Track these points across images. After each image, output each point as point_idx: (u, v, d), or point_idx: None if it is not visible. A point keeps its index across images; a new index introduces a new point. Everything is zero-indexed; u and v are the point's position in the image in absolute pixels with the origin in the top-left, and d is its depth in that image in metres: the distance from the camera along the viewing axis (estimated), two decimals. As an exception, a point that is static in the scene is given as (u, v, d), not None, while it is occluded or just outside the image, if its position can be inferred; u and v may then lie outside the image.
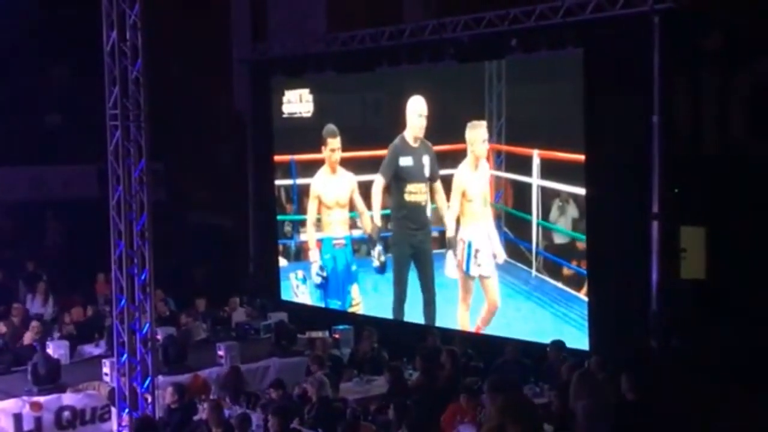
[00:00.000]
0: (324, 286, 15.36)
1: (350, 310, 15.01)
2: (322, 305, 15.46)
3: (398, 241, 14.32)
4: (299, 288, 15.99)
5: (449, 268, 13.67)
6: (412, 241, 14.12)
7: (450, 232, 13.58)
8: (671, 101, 11.37)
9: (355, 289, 14.98)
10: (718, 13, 11.02)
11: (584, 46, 11.82)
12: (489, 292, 13.21)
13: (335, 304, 15.25)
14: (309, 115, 15.65)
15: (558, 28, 12.06)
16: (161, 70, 12.49)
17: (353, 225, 14.96)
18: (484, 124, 13.06)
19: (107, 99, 10.06)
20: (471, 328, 13.37)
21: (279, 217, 16.39)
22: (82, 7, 13.18)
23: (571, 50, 11.95)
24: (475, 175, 13.19)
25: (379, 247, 14.54)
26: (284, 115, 16.10)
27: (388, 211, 14.46)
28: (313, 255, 15.45)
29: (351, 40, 14.82)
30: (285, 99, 16.05)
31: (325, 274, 15.28)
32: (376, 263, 14.59)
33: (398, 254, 14.32)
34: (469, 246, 13.31)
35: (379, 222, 14.51)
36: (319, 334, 13.27)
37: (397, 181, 14.14)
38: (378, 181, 14.26)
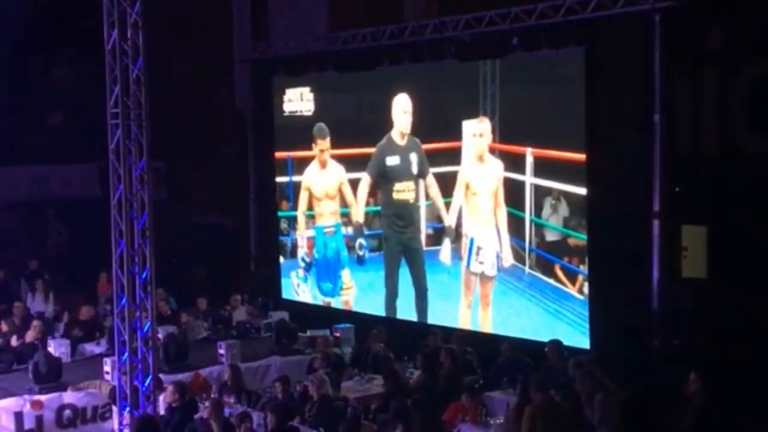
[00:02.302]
0: (309, 270, 15.64)
1: (342, 293, 15.18)
2: (316, 290, 15.65)
3: (388, 239, 14.51)
4: (300, 287, 16.03)
5: (444, 255, 13.74)
6: (401, 239, 14.29)
7: (447, 221, 13.62)
8: (672, 100, 11.37)
9: (346, 274, 15.17)
10: (719, 11, 11.01)
11: (585, 45, 11.82)
12: (483, 290, 13.23)
13: (327, 287, 15.44)
14: (310, 113, 15.68)
15: (559, 26, 12.06)
16: (162, 69, 12.48)
17: (347, 222, 15.10)
18: (475, 120, 13.10)
19: (108, 98, 10.05)
20: (471, 325, 13.39)
21: (279, 214, 16.45)
22: (83, 6, 13.16)
23: (573, 49, 11.96)
24: (481, 169, 13.20)
25: (360, 240, 14.75)
26: (285, 114, 16.13)
27: (378, 208, 14.61)
28: (301, 241, 15.71)
29: (352, 39, 14.82)
30: (286, 98, 16.08)
31: (309, 259, 15.58)
32: (355, 256, 14.89)
33: (388, 252, 14.50)
34: (471, 242, 13.34)
35: (361, 218, 14.76)
36: (319, 332, 13.28)
37: (385, 180, 14.32)
38: (364, 179, 14.53)
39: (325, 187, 15.22)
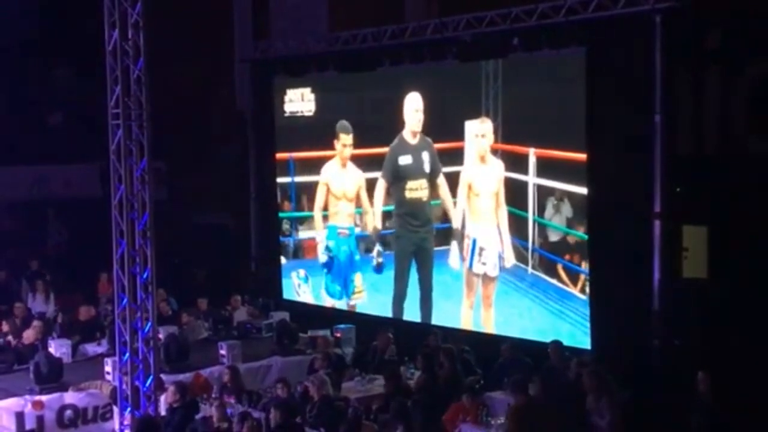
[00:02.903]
0: (329, 266, 15.46)
1: (353, 297, 15.12)
2: (321, 290, 15.56)
3: (400, 238, 14.43)
4: (301, 287, 16.02)
5: (453, 258, 13.73)
6: (414, 239, 14.22)
7: (455, 224, 13.62)
8: (673, 100, 11.37)
9: (358, 278, 15.10)
10: (720, 11, 11.01)
11: (586, 45, 11.82)
12: (485, 291, 13.24)
13: (335, 290, 15.38)
14: (311, 114, 15.68)
15: (560, 27, 12.05)
16: (163, 70, 12.47)
17: (358, 223, 15.07)
18: (477, 120, 13.09)
19: (109, 98, 10.05)
20: (474, 326, 13.39)
21: (280, 215, 16.44)
22: (84, 6, 13.17)
23: (573, 49, 11.96)
24: (482, 170, 13.20)
25: (378, 248, 14.66)
26: (286, 114, 16.13)
27: (391, 207, 14.56)
28: (320, 236, 15.54)
29: (353, 39, 14.82)
30: (287, 98, 16.08)
31: (331, 254, 15.39)
32: (374, 263, 14.73)
33: (400, 251, 14.43)
34: (474, 243, 13.34)
35: (379, 224, 14.65)
36: (320, 333, 13.28)
37: (398, 179, 14.27)
38: (380, 183, 14.46)
39: (344, 188, 15.09)
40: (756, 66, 11.05)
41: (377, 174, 14.50)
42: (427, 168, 13.97)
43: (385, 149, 14.32)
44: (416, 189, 14.08)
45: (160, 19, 11.01)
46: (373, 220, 14.74)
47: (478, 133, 13.07)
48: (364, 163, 14.75)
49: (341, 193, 15.12)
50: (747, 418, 9.53)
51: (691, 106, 11.51)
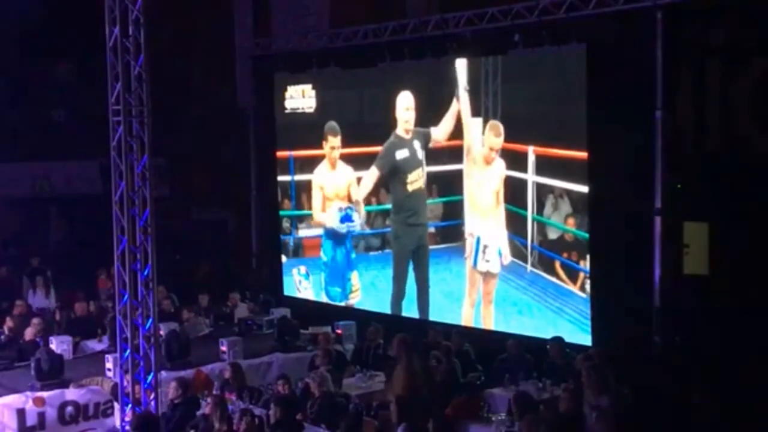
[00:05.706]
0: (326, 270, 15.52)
1: (350, 296, 15.15)
2: (322, 293, 15.61)
3: (400, 238, 14.42)
4: (302, 284, 16.02)
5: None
6: (414, 236, 14.26)
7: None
8: (674, 96, 11.36)
9: (354, 276, 15.14)
10: (721, 7, 11.00)
11: (587, 42, 11.81)
12: (486, 287, 13.25)
13: (335, 291, 15.38)
14: (312, 110, 15.67)
15: (561, 23, 12.05)
16: (164, 66, 12.46)
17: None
18: (480, 122, 13.05)
19: (110, 94, 10.04)
20: (474, 323, 13.40)
21: (280, 213, 16.44)
22: (85, 2, 13.16)
23: (574, 46, 11.95)
24: (486, 169, 13.20)
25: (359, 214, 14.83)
26: (287, 111, 16.13)
27: (383, 207, 14.59)
28: (332, 210, 15.45)
29: (354, 36, 14.82)
30: (287, 95, 16.07)
31: (326, 258, 15.47)
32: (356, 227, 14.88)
33: (399, 251, 14.42)
34: (478, 241, 13.35)
35: (361, 198, 14.74)
36: (321, 329, 13.29)
37: (398, 174, 14.31)
38: (372, 171, 14.51)
39: (336, 188, 15.15)
40: (758, 63, 11.03)
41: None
42: (420, 156, 14.04)
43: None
44: (416, 180, 14.14)
45: (160, 15, 11.01)
46: (356, 195, 14.80)
47: (494, 147, 12.96)
48: (363, 160, 14.72)
49: (334, 194, 15.21)
50: (748, 416, 9.53)
51: (693, 103, 11.50)
